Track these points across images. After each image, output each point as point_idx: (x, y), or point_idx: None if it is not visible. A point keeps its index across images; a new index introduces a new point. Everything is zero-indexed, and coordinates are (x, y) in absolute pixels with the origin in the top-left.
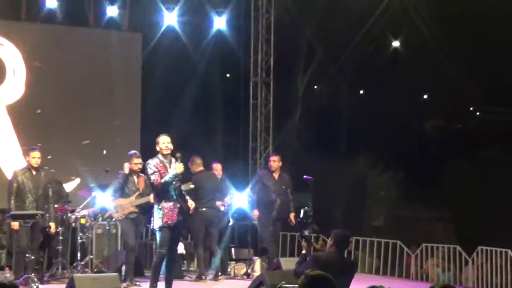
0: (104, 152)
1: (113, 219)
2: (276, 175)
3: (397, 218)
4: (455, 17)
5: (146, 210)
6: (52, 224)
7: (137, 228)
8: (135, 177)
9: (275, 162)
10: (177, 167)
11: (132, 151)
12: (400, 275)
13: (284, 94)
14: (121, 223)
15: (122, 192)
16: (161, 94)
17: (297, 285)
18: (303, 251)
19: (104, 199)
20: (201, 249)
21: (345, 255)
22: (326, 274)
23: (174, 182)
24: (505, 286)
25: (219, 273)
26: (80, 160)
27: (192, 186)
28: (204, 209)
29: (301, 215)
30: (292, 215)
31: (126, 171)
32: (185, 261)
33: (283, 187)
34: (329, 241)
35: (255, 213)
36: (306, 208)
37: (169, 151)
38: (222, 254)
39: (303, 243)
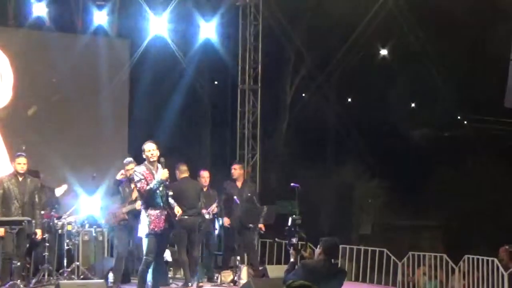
0: (94, 175)
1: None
2: (239, 183)
3: (384, 226)
4: (443, 25)
5: (137, 216)
6: (39, 231)
7: (130, 234)
8: (132, 185)
9: (236, 170)
10: (161, 173)
11: (128, 159)
12: (387, 283)
13: (271, 102)
14: (115, 230)
15: (117, 198)
16: (148, 101)
17: None
18: (292, 260)
19: (91, 205)
20: (185, 256)
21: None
22: (307, 283)
23: (161, 189)
24: None
25: (201, 280)
26: (67, 165)
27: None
28: (186, 216)
29: (289, 223)
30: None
31: (118, 177)
32: (171, 268)
33: (249, 194)
34: (318, 249)
35: (226, 220)
36: (294, 216)
37: (155, 158)
38: (208, 262)
39: (291, 251)
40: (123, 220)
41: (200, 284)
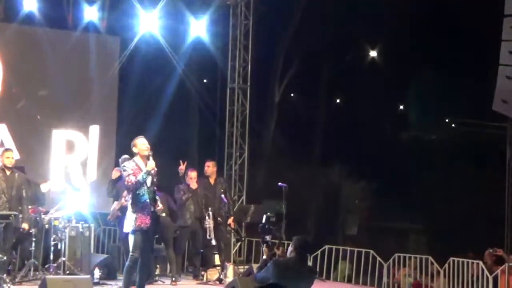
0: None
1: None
2: (212, 180)
3: (371, 227)
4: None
5: None
6: (25, 225)
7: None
8: None
9: (209, 167)
10: (148, 165)
11: (124, 156)
12: (372, 284)
13: (260, 101)
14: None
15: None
16: (137, 98)
17: None
18: (264, 257)
19: (78, 201)
20: (172, 252)
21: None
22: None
23: (148, 185)
24: None
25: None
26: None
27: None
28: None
29: (263, 221)
30: (231, 219)
31: (113, 176)
32: (158, 266)
33: (221, 191)
34: (290, 247)
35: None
36: (268, 213)
37: (148, 152)
38: (194, 260)
39: (264, 249)
40: (118, 217)
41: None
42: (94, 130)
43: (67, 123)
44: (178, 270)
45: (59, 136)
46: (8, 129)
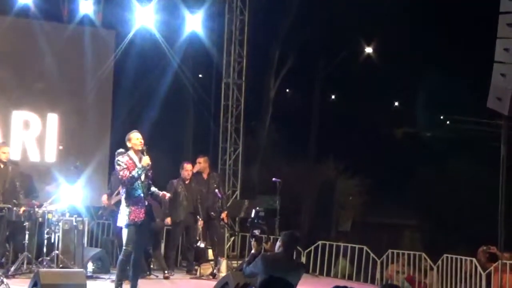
0: (61, 147)
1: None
2: (205, 175)
3: (364, 224)
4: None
5: None
6: (22, 208)
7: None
8: None
9: (200, 163)
10: (143, 160)
11: (120, 150)
12: (365, 280)
13: (255, 96)
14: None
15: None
16: (132, 92)
17: None
18: (253, 251)
19: (72, 195)
20: (158, 252)
21: (295, 257)
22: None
23: (142, 179)
24: None
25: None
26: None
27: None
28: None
29: (252, 215)
30: (224, 214)
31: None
32: (152, 259)
33: (215, 185)
34: (278, 242)
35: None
36: (257, 208)
37: (141, 147)
38: (188, 254)
39: (253, 243)
40: (113, 211)
41: (167, 275)
42: (89, 123)
43: (62, 115)
44: (171, 264)
45: (54, 128)
46: (3, 123)
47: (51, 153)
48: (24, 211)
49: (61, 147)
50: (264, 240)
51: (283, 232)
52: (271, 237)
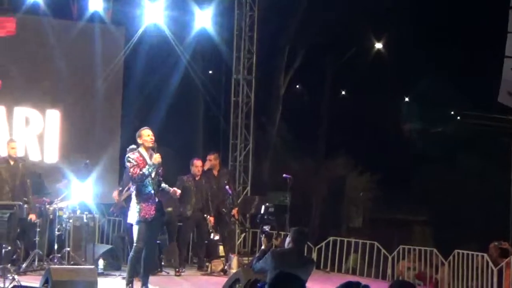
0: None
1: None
2: (215, 172)
3: (375, 219)
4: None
5: None
6: (33, 216)
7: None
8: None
9: (210, 161)
10: (154, 158)
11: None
12: (376, 276)
13: (265, 93)
14: None
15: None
16: (142, 89)
17: None
18: (263, 247)
19: (83, 192)
20: (174, 245)
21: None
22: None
23: (153, 176)
24: None
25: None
26: (59, 151)
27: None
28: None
29: (262, 211)
30: (235, 210)
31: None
32: (163, 256)
33: (225, 182)
34: (288, 238)
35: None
36: (267, 204)
37: (152, 143)
38: (199, 251)
39: (263, 239)
40: (123, 208)
41: (178, 271)
42: (99, 120)
43: (72, 113)
44: (182, 261)
45: (64, 125)
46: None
47: (56, 151)
48: (34, 210)
49: (87, 161)
50: (274, 236)
51: (292, 228)
52: (281, 233)
